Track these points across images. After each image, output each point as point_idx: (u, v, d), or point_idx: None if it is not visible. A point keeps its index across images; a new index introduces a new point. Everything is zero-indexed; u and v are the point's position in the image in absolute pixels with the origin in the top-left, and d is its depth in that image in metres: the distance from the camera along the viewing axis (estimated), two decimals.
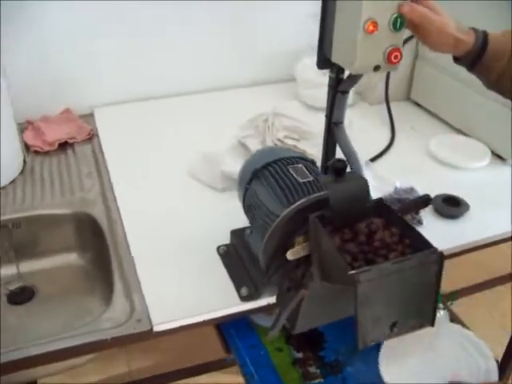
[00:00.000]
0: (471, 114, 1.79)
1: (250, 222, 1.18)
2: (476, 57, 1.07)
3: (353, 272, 0.79)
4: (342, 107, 1.16)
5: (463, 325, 2.24)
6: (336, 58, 1.05)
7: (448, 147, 1.70)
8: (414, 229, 0.90)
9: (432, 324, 0.90)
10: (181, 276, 1.18)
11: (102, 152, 1.62)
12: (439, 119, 1.91)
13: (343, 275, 0.83)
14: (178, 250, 1.25)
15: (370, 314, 0.83)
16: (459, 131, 1.83)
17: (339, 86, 1.14)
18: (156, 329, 1.07)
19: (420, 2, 1.00)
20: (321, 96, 1.88)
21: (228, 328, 1.24)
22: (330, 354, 1.24)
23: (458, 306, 2.11)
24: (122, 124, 1.77)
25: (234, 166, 1.46)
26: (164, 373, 2.03)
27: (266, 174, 1.12)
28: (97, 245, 1.34)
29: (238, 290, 1.14)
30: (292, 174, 1.09)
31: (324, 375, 1.19)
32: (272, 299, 1.14)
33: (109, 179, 1.49)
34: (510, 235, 1.41)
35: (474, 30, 1.08)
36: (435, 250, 0.85)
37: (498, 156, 1.70)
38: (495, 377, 1.15)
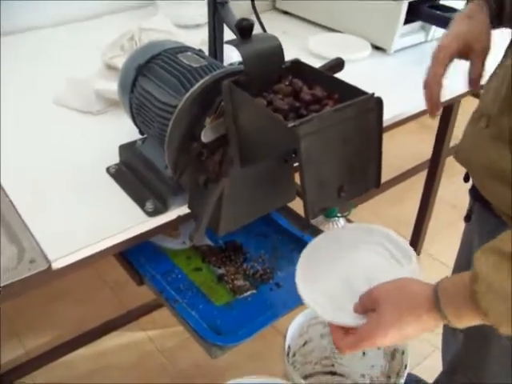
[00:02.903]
0: (344, 12, 1.72)
1: (143, 129, 1.03)
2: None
3: (293, 124, 0.67)
4: None
5: None
6: None
7: (327, 44, 1.63)
8: (342, 82, 0.79)
9: (377, 185, 0.80)
10: (72, 206, 1.01)
11: None
12: (312, 23, 1.83)
13: (279, 136, 0.71)
14: (62, 181, 1.07)
15: (316, 176, 0.71)
16: (335, 31, 1.75)
17: None
18: (55, 266, 0.89)
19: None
20: (184, 13, 1.76)
21: (136, 257, 1.09)
22: (255, 264, 1.12)
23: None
24: None
25: (108, 85, 1.29)
26: (64, 342, 1.83)
27: (154, 68, 0.97)
28: None
29: (141, 206, 0.99)
30: (183, 61, 0.95)
31: (255, 286, 1.06)
32: (183, 210, 0.99)
33: None
34: (406, 115, 1.38)
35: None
36: (372, 95, 0.75)
37: (378, 48, 1.66)
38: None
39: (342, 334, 0.81)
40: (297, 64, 0.83)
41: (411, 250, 0.97)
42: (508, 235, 0.72)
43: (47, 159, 1.13)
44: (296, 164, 0.96)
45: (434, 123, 1.79)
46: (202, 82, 0.85)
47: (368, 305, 0.81)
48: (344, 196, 0.77)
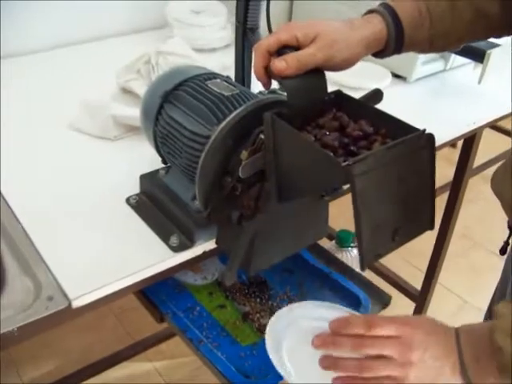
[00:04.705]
0: None
1: (168, 159, 0.98)
2: (396, 44, 0.89)
3: (346, 163, 0.62)
4: (258, 8, 0.98)
5: (380, 264, 2.19)
6: None
7: (348, 72, 1.58)
8: (388, 115, 0.74)
9: (431, 227, 0.75)
10: (91, 239, 0.95)
11: None
12: None
13: (327, 174, 0.66)
14: (80, 212, 1.01)
15: (370, 219, 0.66)
16: None
17: None
18: (75, 304, 0.83)
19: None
20: (199, 36, 1.72)
21: (157, 294, 1.03)
22: (281, 301, 1.07)
23: None
24: None
25: (125, 110, 1.25)
26: (67, 375, 1.76)
27: (182, 95, 0.92)
28: None
29: (165, 241, 0.93)
30: (213, 89, 0.90)
31: None
32: (209, 245, 0.94)
33: None
34: None
35: (378, 11, 0.88)
36: (423, 131, 0.70)
37: (397, 76, 1.62)
38: None
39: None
40: (340, 96, 0.79)
41: None
42: None
43: (63, 188, 1.07)
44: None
45: (448, 152, 1.76)
46: (237, 111, 0.81)
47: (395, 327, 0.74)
48: (398, 240, 0.71)
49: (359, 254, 0.66)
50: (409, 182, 0.69)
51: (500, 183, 0.99)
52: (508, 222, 1.06)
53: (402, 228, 0.70)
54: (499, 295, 1.20)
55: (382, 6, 0.88)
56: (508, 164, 0.98)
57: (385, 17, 0.86)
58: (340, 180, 0.65)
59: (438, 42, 0.92)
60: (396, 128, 0.72)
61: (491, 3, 0.89)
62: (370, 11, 0.89)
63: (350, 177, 0.62)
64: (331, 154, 0.66)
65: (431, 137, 0.71)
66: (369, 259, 0.68)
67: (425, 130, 0.70)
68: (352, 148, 0.69)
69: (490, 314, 1.25)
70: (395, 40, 0.88)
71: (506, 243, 1.11)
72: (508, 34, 0.98)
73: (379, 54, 0.91)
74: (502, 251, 1.13)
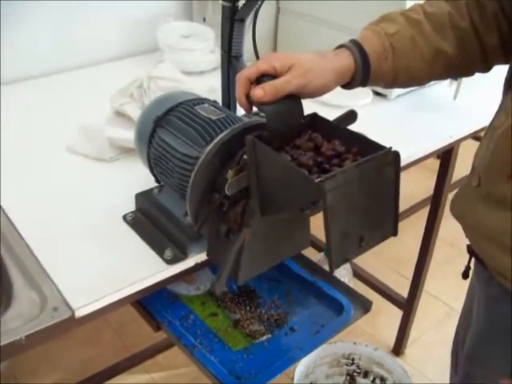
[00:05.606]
0: None
1: (161, 179, 1.06)
2: (363, 77, 0.98)
3: (319, 180, 0.70)
4: (241, 38, 1.07)
5: (367, 273, 2.26)
6: None
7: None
8: (358, 135, 0.82)
9: (394, 234, 0.83)
10: (91, 254, 1.03)
11: None
12: None
13: (303, 190, 0.74)
14: (79, 229, 1.09)
15: (339, 228, 0.74)
16: None
17: (236, 15, 1.04)
18: (78, 314, 0.91)
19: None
20: (189, 60, 1.80)
21: (153, 305, 1.10)
22: (269, 308, 1.14)
23: None
24: None
25: (120, 132, 1.32)
26: None
27: (172, 120, 1.00)
28: None
29: (160, 254, 1.01)
30: (201, 113, 0.98)
31: (271, 330, 1.08)
32: (200, 257, 1.02)
33: None
34: (409, 161, 1.41)
35: (347, 47, 0.96)
36: (390, 149, 0.78)
37: (378, 94, 1.71)
38: None
39: None
40: (315, 118, 0.87)
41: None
42: None
43: (63, 207, 1.15)
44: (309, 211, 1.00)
45: (430, 163, 1.84)
46: (223, 134, 0.89)
47: None
48: (364, 245, 0.80)
49: (328, 259, 0.74)
50: (375, 194, 0.78)
51: (461, 208, 1.05)
52: (468, 247, 1.09)
53: (367, 235, 0.78)
54: (463, 321, 1.21)
55: (350, 42, 0.97)
56: (466, 189, 1.04)
57: (353, 52, 0.95)
58: (314, 195, 0.73)
59: (401, 76, 1.00)
60: (366, 146, 0.80)
61: (448, 44, 0.98)
62: (340, 46, 0.98)
63: (321, 192, 0.70)
64: (306, 172, 0.74)
65: (397, 154, 0.79)
66: (337, 262, 0.76)
67: (391, 147, 0.79)
68: (325, 166, 0.77)
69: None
70: (362, 74, 0.97)
71: (468, 267, 1.15)
72: (468, 74, 1.06)
73: (346, 85, 1.01)
74: (465, 275, 1.16)
